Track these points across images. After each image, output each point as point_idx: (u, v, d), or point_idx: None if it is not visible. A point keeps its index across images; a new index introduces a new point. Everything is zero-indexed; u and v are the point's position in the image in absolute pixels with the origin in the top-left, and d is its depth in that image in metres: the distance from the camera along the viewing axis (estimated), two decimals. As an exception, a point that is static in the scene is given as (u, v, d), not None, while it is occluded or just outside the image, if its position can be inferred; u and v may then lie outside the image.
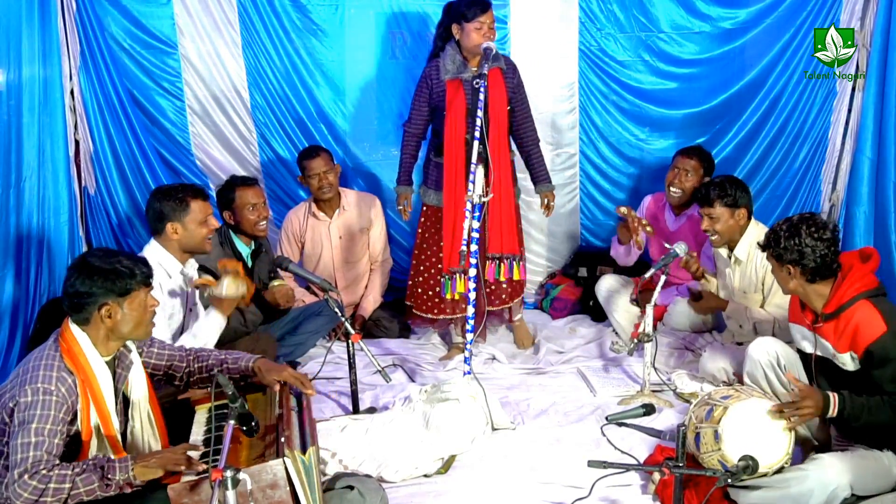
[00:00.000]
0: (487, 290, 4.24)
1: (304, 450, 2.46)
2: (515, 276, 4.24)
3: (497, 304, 4.36)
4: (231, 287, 3.50)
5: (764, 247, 3.03)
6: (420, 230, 4.40)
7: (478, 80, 3.97)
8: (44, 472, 2.36)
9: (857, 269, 2.92)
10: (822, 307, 2.94)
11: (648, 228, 4.28)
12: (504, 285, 4.31)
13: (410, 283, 4.48)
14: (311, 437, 2.55)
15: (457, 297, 4.20)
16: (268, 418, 2.75)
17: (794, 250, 2.89)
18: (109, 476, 2.42)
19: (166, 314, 3.40)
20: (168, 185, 3.66)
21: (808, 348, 3.07)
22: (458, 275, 4.12)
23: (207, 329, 3.50)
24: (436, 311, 4.35)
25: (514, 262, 4.22)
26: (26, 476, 2.34)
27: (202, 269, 3.84)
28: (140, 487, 2.49)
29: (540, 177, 4.33)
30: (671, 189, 4.46)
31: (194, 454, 2.54)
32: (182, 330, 3.53)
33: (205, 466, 2.46)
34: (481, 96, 3.76)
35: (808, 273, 2.90)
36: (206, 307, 3.80)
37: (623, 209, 4.31)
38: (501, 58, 4.11)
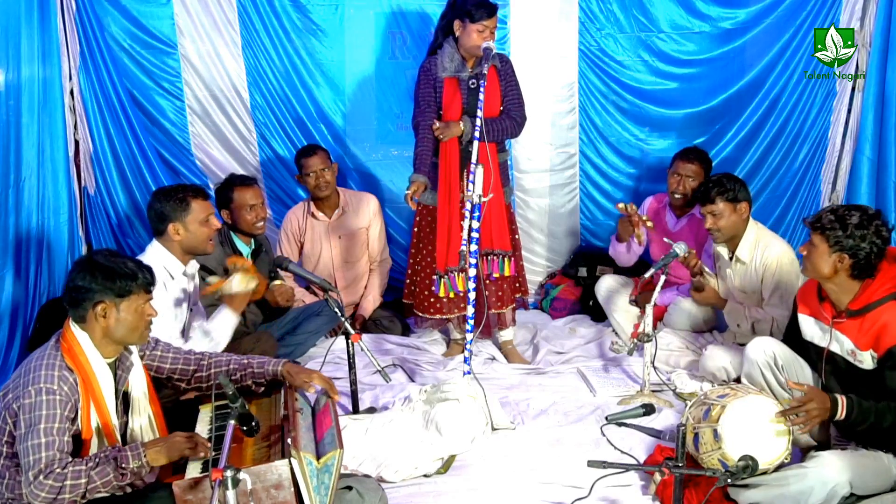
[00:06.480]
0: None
1: (318, 455, 2.47)
2: (506, 273, 4.19)
3: (489, 308, 4.32)
4: (241, 283, 3.54)
5: (821, 227, 2.87)
6: (416, 229, 4.39)
7: (474, 80, 3.98)
8: (58, 470, 2.37)
9: (888, 269, 2.88)
10: (849, 303, 2.91)
11: (650, 224, 4.26)
12: (494, 287, 4.26)
13: (408, 281, 4.48)
14: (338, 440, 2.53)
15: (451, 295, 4.15)
16: (272, 419, 2.76)
17: (858, 241, 2.81)
18: (123, 465, 2.43)
19: (172, 315, 3.39)
20: (169, 186, 3.64)
21: (821, 342, 3.05)
22: (454, 273, 4.07)
23: (221, 327, 3.50)
24: (432, 310, 4.33)
25: (506, 259, 4.17)
26: (41, 477, 2.35)
27: (203, 269, 3.84)
28: (143, 485, 2.49)
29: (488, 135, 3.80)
30: (675, 195, 4.44)
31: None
32: (185, 330, 3.52)
33: (209, 449, 2.48)
34: (481, 96, 3.74)
35: (856, 268, 2.85)
36: (205, 307, 3.80)
37: (621, 205, 4.28)
38: (496, 56, 4.07)
